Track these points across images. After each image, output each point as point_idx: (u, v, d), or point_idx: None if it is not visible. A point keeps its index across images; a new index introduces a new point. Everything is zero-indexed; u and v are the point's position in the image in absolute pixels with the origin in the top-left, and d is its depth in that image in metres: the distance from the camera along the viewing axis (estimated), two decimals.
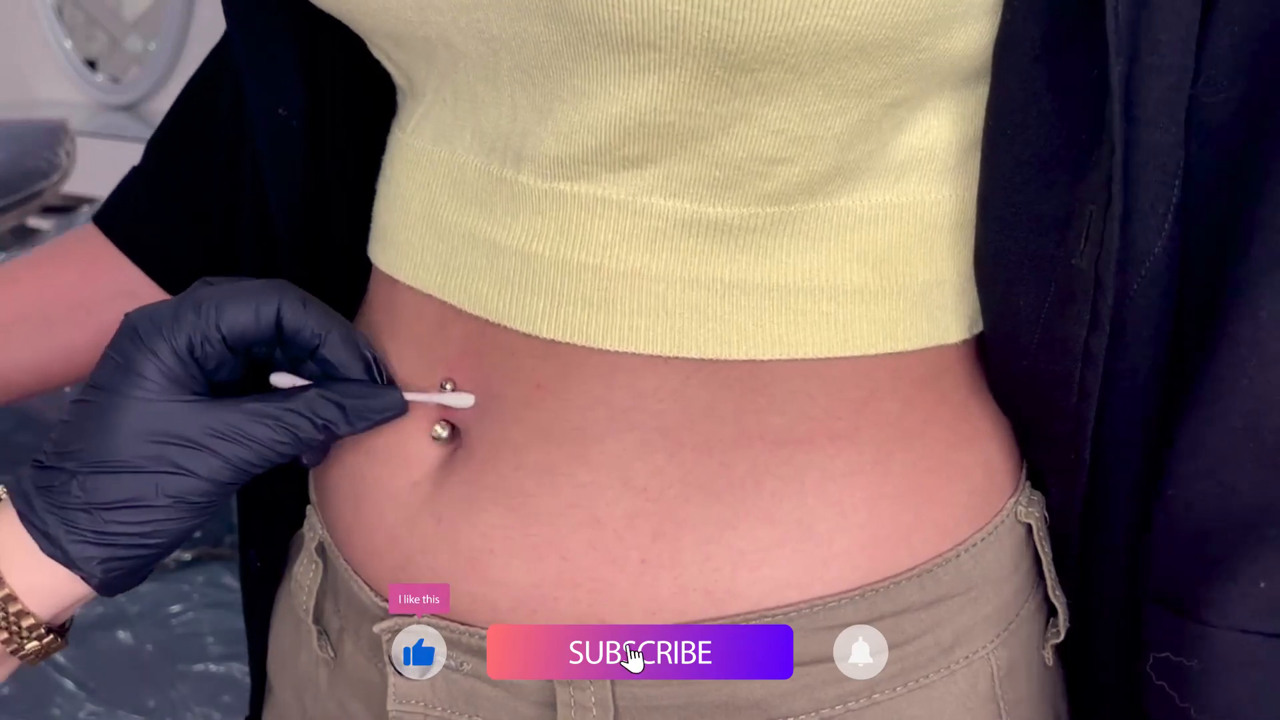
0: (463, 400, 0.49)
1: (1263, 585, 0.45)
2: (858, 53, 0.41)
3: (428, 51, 0.48)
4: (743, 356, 0.46)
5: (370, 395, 0.49)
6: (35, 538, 0.47)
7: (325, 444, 0.51)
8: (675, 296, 0.46)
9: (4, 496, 0.49)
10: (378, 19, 0.48)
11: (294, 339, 0.49)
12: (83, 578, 0.48)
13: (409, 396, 0.50)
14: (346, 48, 0.54)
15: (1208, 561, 0.47)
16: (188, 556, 1.70)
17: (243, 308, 0.48)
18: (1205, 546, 0.47)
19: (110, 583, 0.48)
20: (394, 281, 0.53)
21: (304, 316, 0.49)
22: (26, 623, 0.48)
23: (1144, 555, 0.49)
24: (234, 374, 0.50)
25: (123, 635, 1.53)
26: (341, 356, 0.49)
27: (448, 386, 0.50)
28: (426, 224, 0.51)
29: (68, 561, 0.47)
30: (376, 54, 0.53)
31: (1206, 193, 0.45)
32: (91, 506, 0.47)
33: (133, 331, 0.48)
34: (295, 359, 0.51)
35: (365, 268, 0.58)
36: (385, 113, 0.56)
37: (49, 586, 0.48)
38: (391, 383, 0.51)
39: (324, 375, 0.50)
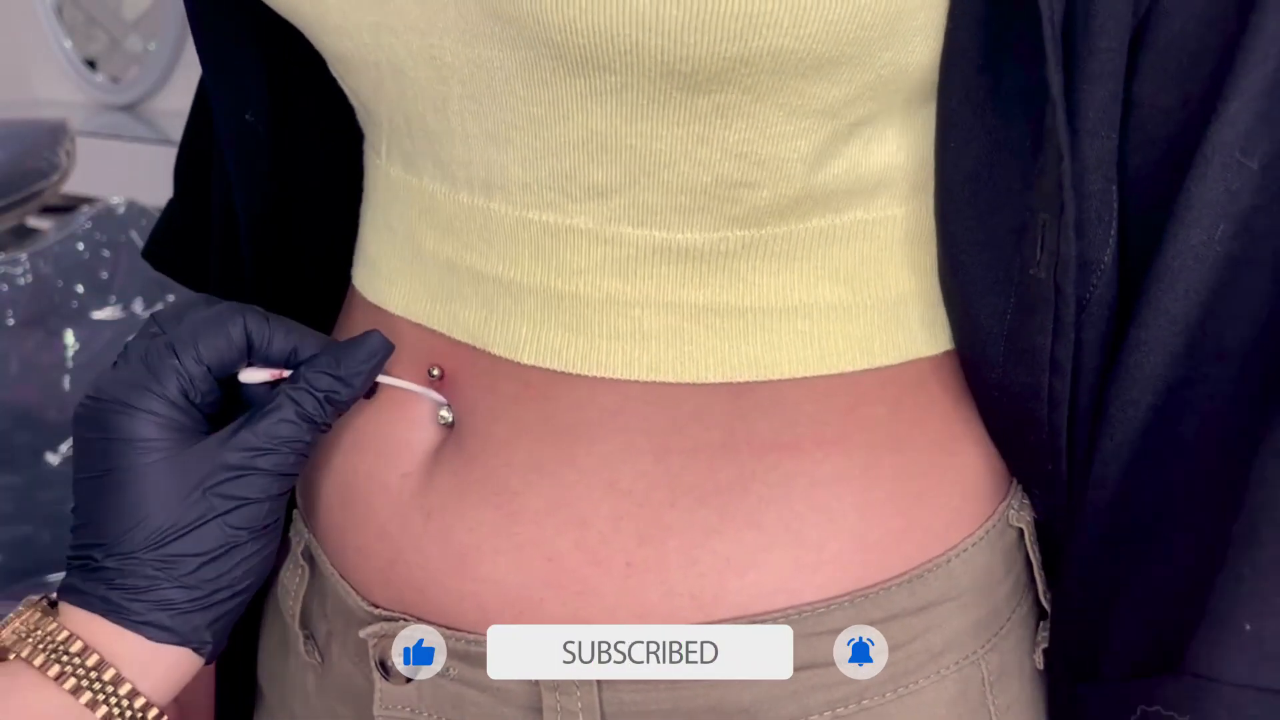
0: (438, 397, 0.50)
1: (1248, 628, 0.44)
2: (814, 71, 0.41)
3: (376, 78, 0.47)
4: (720, 379, 0.46)
5: (352, 348, 0.49)
6: (144, 633, 0.46)
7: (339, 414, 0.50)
8: (651, 321, 0.46)
9: (69, 612, 0.47)
10: (332, 39, 0.47)
11: (265, 352, 0.49)
12: (194, 649, 0.47)
13: (388, 381, 0.50)
14: (315, 56, 0.54)
15: (1189, 606, 0.46)
16: None
17: (214, 334, 0.48)
18: (1180, 589, 0.46)
19: (219, 643, 0.48)
20: (379, 308, 0.53)
21: (269, 328, 0.49)
22: (152, 714, 0.46)
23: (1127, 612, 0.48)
24: (218, 405, 0.49)
25: None
26: (318, 352, 0.50)
27: (434, 372, 0.50)
28: (411, 253, 0.51)
29: (182, 641, 0.46)
30: (334, 74, 0.52)
31: (1142, 201, 0.45)
32: (179, 580, 0.46)
33: (113, 403, 0.46)
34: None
35: (333, 279, 0.58)
36: (356, 123, 0.55)
37: (165, 672, 0.46)
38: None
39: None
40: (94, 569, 0.46)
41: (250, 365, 0.49)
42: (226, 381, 0.49)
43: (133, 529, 0.45)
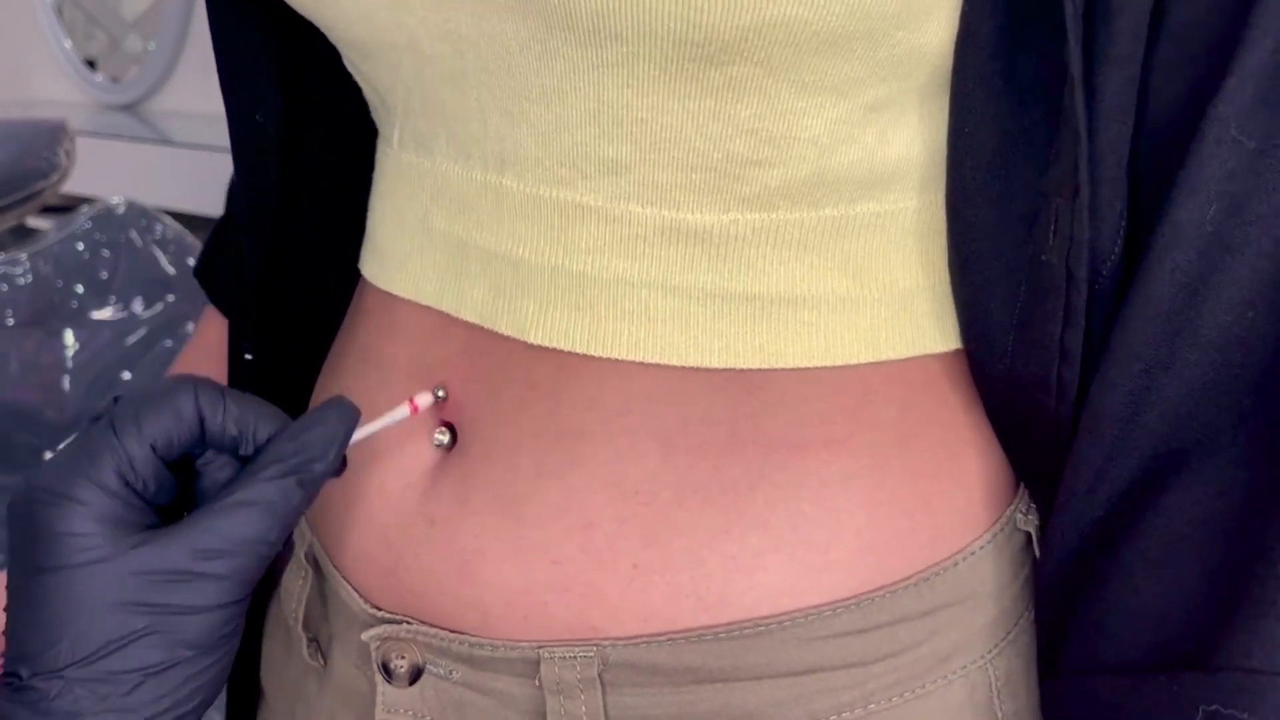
0: (423, 399, 0.47)
1: None
2: (829, 46, 0.41)
3: (393, 60, 0.48)
4: (724, 365, 0.46)
5: (316, 423, 0.43)
6: None
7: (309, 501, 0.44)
8: (657, 304, 0.46)
9: None
10: (351, 25, 0.47)
11: (219, 430, 0.42)
12: None
13: (361, 434, 0.45)
14: (329, 59, 0.54)
15: (1227, 598, 0.44)
16: None
17: (160, 409, 0.41)
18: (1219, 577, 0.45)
19: None
20: (390, 296, 0.52)
21: (224, 402, 0.42)
22: None
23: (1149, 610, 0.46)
24: (173, 494, 0.43)
25: None
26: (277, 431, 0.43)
27: (440, 393, 0.49)
28: (421, 235, 0.51)
29: None
30: (349, 68, 0.52)
31: (1148, 192, 0.45)
32: (113, 703, 0.39)
33: (42, 493, 0.40)
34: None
35: (341, 280, 0.57)
36: (368, 128, 0.56)
37: None
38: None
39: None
40: (19, 689, 0.39)
41: (205, 455, 0.43)
42: (182, 466, 0.43)
43: (58, 643, 0.39)
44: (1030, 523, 0.51)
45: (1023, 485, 0.51)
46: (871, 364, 0.47)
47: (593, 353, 0.46)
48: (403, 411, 0.47)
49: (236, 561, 0.40)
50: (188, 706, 0.41)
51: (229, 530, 0.40)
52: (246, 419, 0.43)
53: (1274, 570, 0.43)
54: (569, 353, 0.47)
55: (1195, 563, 0.45)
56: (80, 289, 1.77)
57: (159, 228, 1.81)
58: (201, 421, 0.42)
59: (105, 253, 1.78)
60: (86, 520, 0.39)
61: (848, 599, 0.46)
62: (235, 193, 0.72)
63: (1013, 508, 0.50)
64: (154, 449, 0.41)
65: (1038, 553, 0.51)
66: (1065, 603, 0.48)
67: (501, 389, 0.48)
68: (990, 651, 0.49)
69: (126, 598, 0.39)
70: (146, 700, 0.39)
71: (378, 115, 0.54)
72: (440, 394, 0.50)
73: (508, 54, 0.44)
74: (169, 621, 0.40)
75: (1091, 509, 0.47)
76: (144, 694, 0.39)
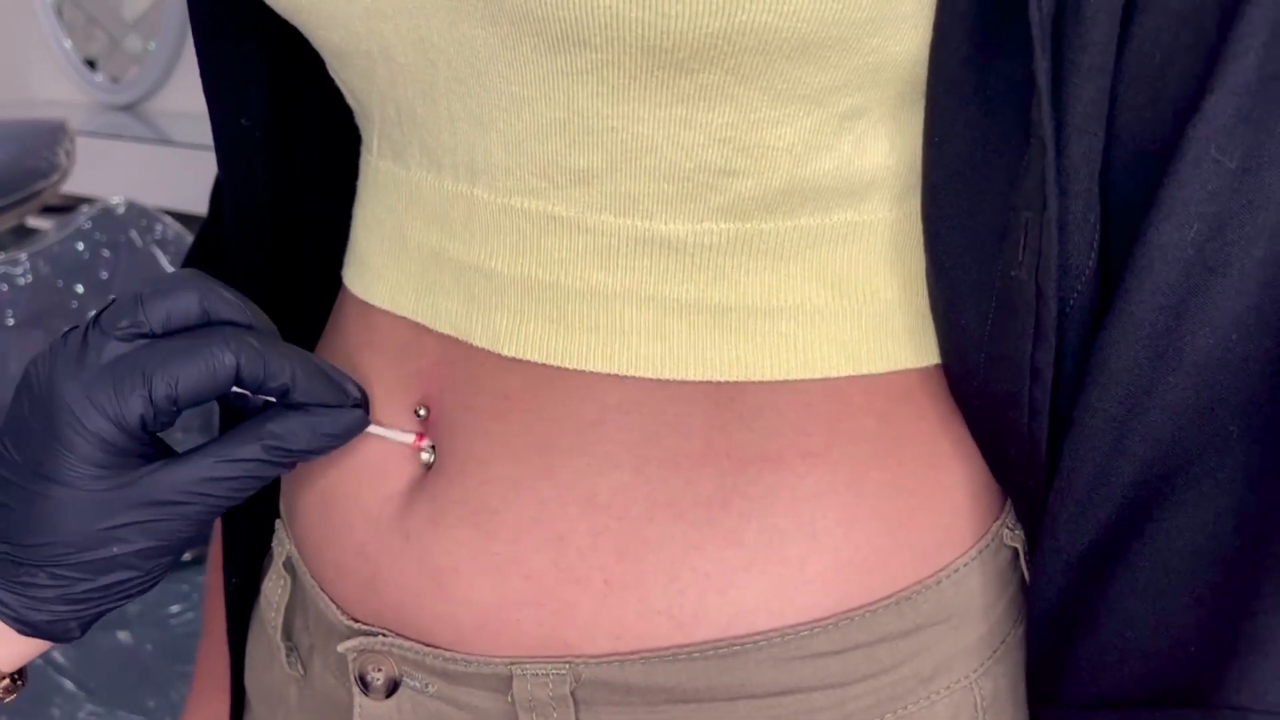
0: (408, 438, 0.49)
1: None
2: (800, 53, 0.40)
3: (368, 68, 0.47)
4: (699, 378, 0.45)
5: (333, 419, 0.46)
6: (15, 627, 0.46)
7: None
8: (631, 315, 0.45)
9: None
10: (327, 31, 0.47)
11: (255, 387, 0.45)
12: (54, 639, 0.47)
13: (371, 430, 0.48)
14: (317, 63, 0.53)
15: (1175, 634, 0.44)
16: (188, 556, 1.70)
17: (196, 369, 0.43)
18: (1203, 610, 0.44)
19: (81, 633, 0.47)
20: (369, 305, 0.52)
21: (262, 363, 0.44)
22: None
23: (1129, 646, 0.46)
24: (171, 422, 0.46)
25: (122, 635, 1.53)
26: (314, 392, 0.46)
27: (420, 412, 0.49)
28: (397, 245, 0.50)
29: (48, 636, 0.46)
30: (331, 73, 0.52)
31: (1121, 206, 0.43)
32: (65, 595, 0.45)
33: (66, 411, 0.42)
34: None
35: (329, 286, 0.57)
36: (357, 133, 0.55)
37: (14, 652, 0.47)
38: (361, 402, 0.48)
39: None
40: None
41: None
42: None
43: (39, 544, 0.44)
44: (1017, 538, 0.50)
45: (1009, 501, 0.50)
46: (851, 376, 0.46)
47: (566, 365, 0.45)
48: (405, 438, 0.49)
49: (200, 509, 0.45)
50: (122, 599, 0.46)
51: (207, 485, 0.44)
52: (285, 372, 0.45)
53: (1264, 605, 0.42)
54: (542, 364, 0.46)
55: (1188, 595, 0.44)
56: (80, 289, 1.76)
57: (159, 228, 1.80)
58: (240, 378, 0.44)
59: (105, 253, 1.78)
60: (97, 450, 0.43)
61: (825, 618, 0.45)
62: (218, 197, 0.72)
63: (999, 523, 0.49)
64: (177, 400, 0.43)
65: (1025, 569, 0.51)
66: (1061, 634, 0.47)
67: (474, 400, 0.47)
68: (975, 671, 0.48)
69: (102, 523, 0.43)
70: (93, 597, 0.45)
71: (359, 121, 0.53)
72: (421, 413, 0.49)
73: (478, 62, 0.43)
74: (125, 550, 0.44)
75: (1079, 538, 0.46)
76: (90, 592, 0.45)
